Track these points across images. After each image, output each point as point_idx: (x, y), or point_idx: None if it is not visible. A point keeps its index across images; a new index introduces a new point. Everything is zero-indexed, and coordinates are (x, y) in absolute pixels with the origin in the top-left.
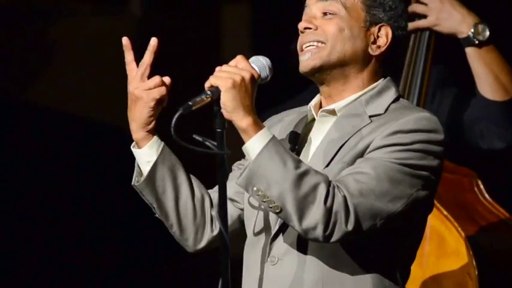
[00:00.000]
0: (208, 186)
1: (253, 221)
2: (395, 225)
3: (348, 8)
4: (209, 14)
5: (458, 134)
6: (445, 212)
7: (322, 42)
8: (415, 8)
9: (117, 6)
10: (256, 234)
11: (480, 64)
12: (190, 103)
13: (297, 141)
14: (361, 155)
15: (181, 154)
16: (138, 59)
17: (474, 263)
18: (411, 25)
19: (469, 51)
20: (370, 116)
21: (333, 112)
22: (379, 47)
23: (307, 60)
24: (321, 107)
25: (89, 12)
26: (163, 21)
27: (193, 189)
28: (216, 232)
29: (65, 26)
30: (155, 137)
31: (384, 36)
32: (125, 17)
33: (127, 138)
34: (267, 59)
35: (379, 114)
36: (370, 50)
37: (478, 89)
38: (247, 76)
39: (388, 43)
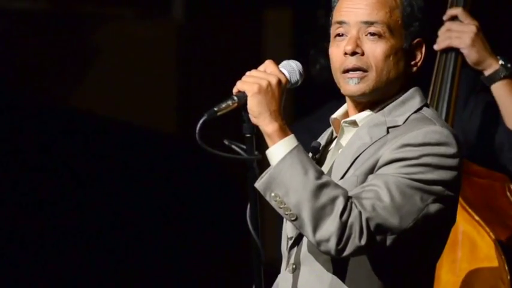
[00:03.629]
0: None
1: (284, 227)
2: (408, 239)
3: (391, 28)
4: (250, 19)
5: (491, 142)
6: (477, 217)
7: (368, 70)
8: (455, 27)
9: (159, 11)
10: (284, 240)
11: None
12: (215, 109)
13: (319, 151)
14: (372, 167)
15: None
16: (181, 64)
17: (506, 267)
18: (444, 43)
19: (502, 84)
20: (388, 128)
21: (354, 123)
22: (416, 64)
23: (355, 85)
24: (347, 116)
25: (132, 17)
26: (204, 27)
27: None
28: None
29: (108, 31)
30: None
31: (419, 52)
32: (167, 22)
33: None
34: (298, 64)
35: (397, 126)
36: (409, 69)
37: (507, 123)
38: (273, 81)
39: (422, 58)
